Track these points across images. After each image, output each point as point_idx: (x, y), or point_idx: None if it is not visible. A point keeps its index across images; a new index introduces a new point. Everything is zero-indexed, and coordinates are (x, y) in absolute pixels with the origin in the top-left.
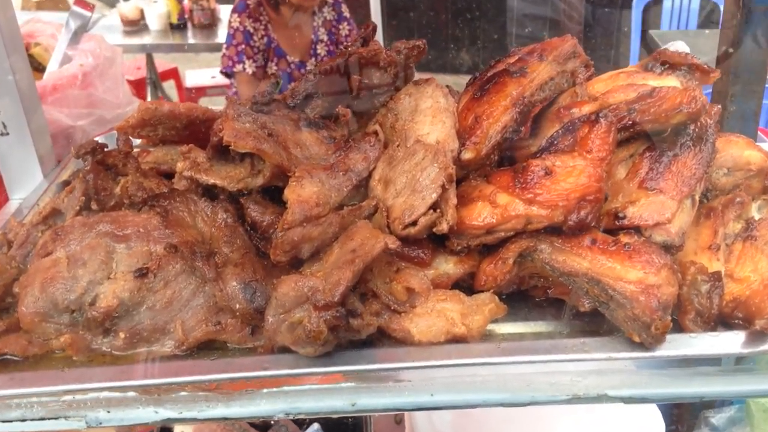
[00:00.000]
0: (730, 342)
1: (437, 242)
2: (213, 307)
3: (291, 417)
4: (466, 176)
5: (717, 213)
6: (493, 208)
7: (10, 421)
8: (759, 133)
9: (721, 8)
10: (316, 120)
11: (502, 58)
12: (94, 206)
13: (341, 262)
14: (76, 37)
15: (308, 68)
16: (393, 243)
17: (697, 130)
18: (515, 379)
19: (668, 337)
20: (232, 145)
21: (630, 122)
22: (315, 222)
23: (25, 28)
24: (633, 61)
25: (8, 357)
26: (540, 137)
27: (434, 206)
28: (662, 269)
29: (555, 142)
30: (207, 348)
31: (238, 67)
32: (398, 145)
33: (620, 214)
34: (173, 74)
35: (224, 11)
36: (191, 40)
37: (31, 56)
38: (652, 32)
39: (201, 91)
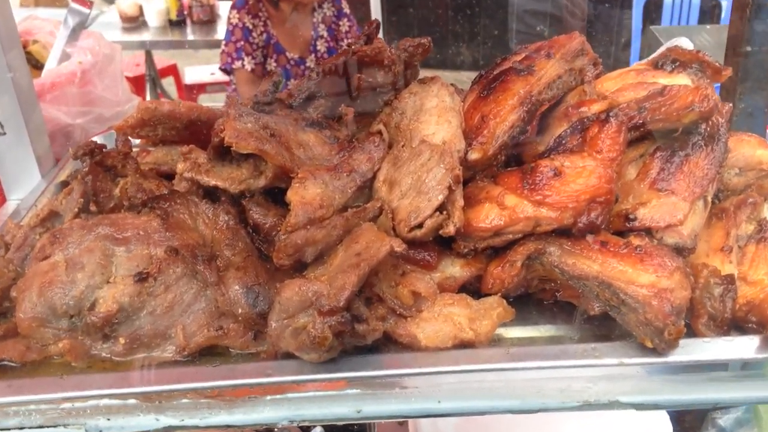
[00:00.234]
0: (745, 347)
1: (443, 245)
2: (215, 312)
3: (295, 424)
4: (472, 177)
5: (729, 214)
6: (500, 210)
7: (8, 430)
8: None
9: (723, 4)
10: (318, 120)
11: (508, 55)
12: (92, 208)
13: (346, 266)
14: (74, 34)
15: (308, 65)
16: (399, 246)
17: (708, 129)
18: (525, 385)
19: (681, 341)
20: (234, 146)
21: (640, 121)
22: (319, 224)
23: (23, 26)
24: (634, 57)
25: (6, 363)
26: (547, 136)
27: (440, 208)
28: (675, 272)
29: (563, 142)
30: (209, 353)
31: (237, 64)
32: (403, 146)
33: (631, 216)
34: (172, 71)
35: (223, 7)
36: (190, 37)
37: (29, 54)
38: (652, 28)
39: (200, 88)
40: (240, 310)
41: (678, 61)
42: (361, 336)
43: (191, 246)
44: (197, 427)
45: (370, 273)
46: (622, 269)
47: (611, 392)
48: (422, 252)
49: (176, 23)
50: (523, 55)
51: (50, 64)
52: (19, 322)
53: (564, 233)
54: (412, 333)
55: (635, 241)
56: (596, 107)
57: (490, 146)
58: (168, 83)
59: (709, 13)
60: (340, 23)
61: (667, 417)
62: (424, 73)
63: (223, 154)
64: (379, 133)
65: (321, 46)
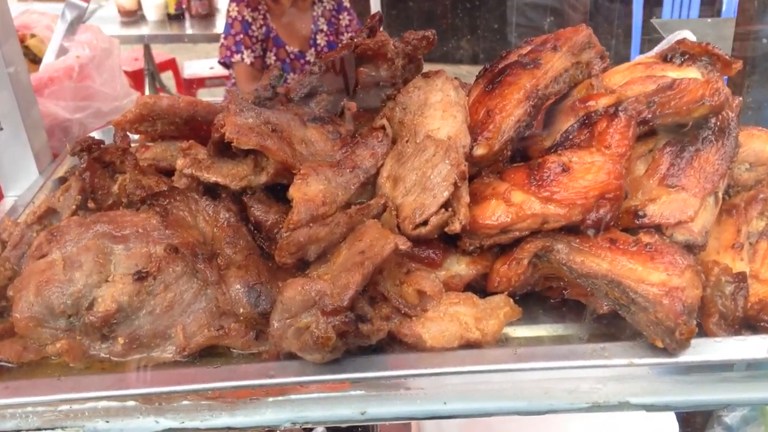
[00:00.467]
0: (757, 346)
1: (448, 242)
2: (215, 311)
3: (298, 426)
4: (477, 173)
5: (740, 210)
6: (507, 207)
7: None
8: None
9: None
10: (321, 115)
11: (512, 49)
12: (90, 205)
13: (350, 264)
14: (72, 28)
15: (307, 58)
16: (404, 244)
17: (719, 123)
18: (532, 386)
19: (692, 341)
20: (235, 142)
21: (649, 116)
22: (322, 222)
23: (20, 20)
24: (634, 50)
25: (2, 364)
26: (554, 131)
27: (446, 205)
28: (686, 271)
29: (570, 137)
30: (209, 354)
31: (237, 57)
32: (407, 141)
33: (640, 213)
34: (171, 65)
35: (222, 1)
36: (189, 31)
37: (26, 48)
38: (653, 21)
39: (199, 82)
40: (241, 310)
41: (687, 54)
42: (365, 336)
43: (191, 244)
44: (198, 429)
45: (375, 271)
46: (632, 267)
47: (621, 393)
48: (427, 250)
49: (175, 17)
50: (529, 48)
51: (48, 59)
52: (15, 322)
53: (572, 230)
54: (417, 333)
55: (645, 238)
56: (604, 101)
57: (495, 141)
58: (167, 77)
59: (709, 6)
60: (340, 17)
61: (673, 414)
62: (424, 67)
63: (224, 149)
64: (382, 128)
65: (321, 40)
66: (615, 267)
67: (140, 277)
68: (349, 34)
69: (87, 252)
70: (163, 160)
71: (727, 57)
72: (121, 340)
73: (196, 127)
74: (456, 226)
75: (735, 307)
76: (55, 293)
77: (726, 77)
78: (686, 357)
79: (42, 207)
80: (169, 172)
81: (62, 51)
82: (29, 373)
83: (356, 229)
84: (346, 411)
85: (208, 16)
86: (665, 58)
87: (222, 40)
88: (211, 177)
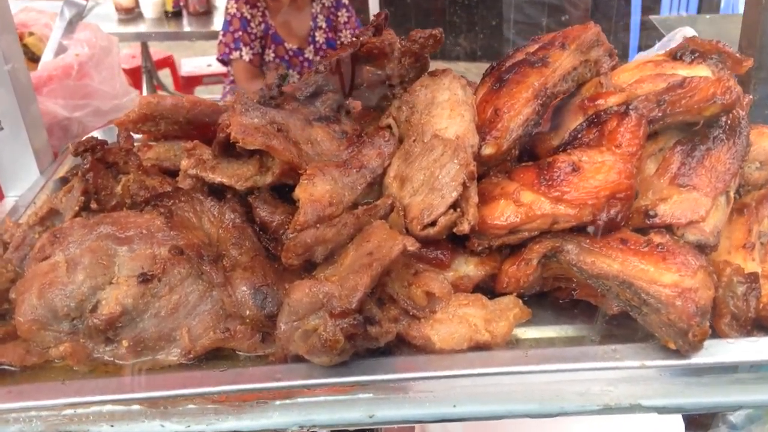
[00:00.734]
0: None
1: (456, 242)
2: (221, 313)
3: (305, 430)
4: (485, 172)
5: (751, 210)
6: (516, 207)
7: None
8: None
9: None
10: (326, 114)
11: (509, 45)
12: (93, 206)
13: (357, 266)
14: (71, 26)
15: (306, 55)
16: (412, 245)
17: (729, 121)
18: (543, 388)
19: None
20: (240, 142)
21: (660, 114)
22: (329, 223)
23: (19, 18)
24: (633, 47)
25: (5, 367)
26: (562, 130)
27: (454, 205)
28: (698, 271)
29: (579, 136)
30: (215, 356)
31: (235, 55)
32: (414, 140)
33: (651, 212)
34: (169, 63)
35: None
36: (187, 28)
37: (24, 46)
38: (652, 18)
39: (197, 79)
40: (248, 312)
41: (697, 51)
42: (373, 338)
43: (196, 245)
44: None
45: (383, 273)
46: (644, 268)
47: (633, 395)
48: (435, 250)
49: (172, 14)
50: (537, 47)
51: (46, 57)
52: (18, 325)
53: (581, 230)
54: (426, 335)
55: (656, 238)
56: (613, 100)
57: (504, 141)
58: (164, 75)
59: (707, 2)
60: (339, 14)
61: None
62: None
63: (228, 150)
64: (389, 127)
65: (319, 37)
66: (626, 268)
67: (145, 279)
68: (348, 31)
69: (90, 254)
70: (167, 160)
71: (737, 55)
72: (125, 343)
73: (199, 127)
74: (465, 227)
75: (747, 307)
76: (59, 296)
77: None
78: (699, 359)
79: (44, 208)
80: (172, 173)
81: (61, 49)
82: (32, 377)
83: (363, 230)
84: (354, 414)
85: (205, 13)
86: (675, 56)
87: (220, 38)
88: (216, 177)
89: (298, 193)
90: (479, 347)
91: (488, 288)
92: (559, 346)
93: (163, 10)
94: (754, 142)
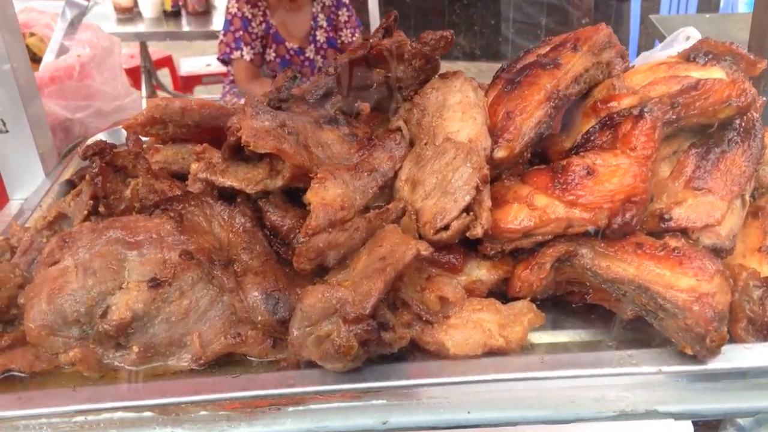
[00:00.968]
0: None
1: (468, 246)
2: (231, 318)
3: None
4: (497, 176)
5: (765, 213)
6: (530, 211)
7: None
8: None
9: None
10: (337, 116)
11: (530, 48)
12: (101, 210)
13: (370, 271)
14: (72, 26)
15: (307, 55)
16: (425, 249)
17: (743, 124)
18: (558, 394)
19: None
20: (251, 146)
21: (674, 117)
22: (340, 227)
23: (19, 18)
24: (633, 47)
25: (14, 373)
26: (574, 132)
27: (467, 209)
28: (715, 276)
29: (591, 138)
30: (225, 362)
31: (236, 54)
32: (426, 143)
33: (666, 216)
34: (167, 62)
35: None
36: (186, 28)
37: (26, 47)
38: (651, 17)
39: (196, 79)
40: (259, 318)
41: (711, 53)
42: (387, 344)
43: (207, 250)
44: None
45: (396, 278)
46: (660, 272)
47: (648, 401)
48: (447, 255)
49: (171, 14)
50: (548, 48)
51: (48, 58)
52: (27, 331)
53: (595, 234)
54: (440, 340)
55: (672, 242)
56: (627, 102)
57: (516, 144)
58: (163, 75)
59: (707, 2)
60: (339, 13)
61: None
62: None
63: (238, 153)
64: (399, 130)
65: (320, 36)
66: (642, 272)
67: (155, 284)
68: (348, 30)
69: (100, 258)
70: (175, 163)
71: (751, 56)
72: (135, 349)
73: (207, 130)
74: (478, 231)
75: (763, 312)
76: (68, 301)
77: None
78: (717, 364)
79: (52, 212)
80: (180, 176)
81: (62, 50)
82: (42, 383)
83: (376, 234)
84: (367, 421)
85: (204, 13)
86: (688, 58)
87: (221, 37)
88: (227, 181)
89: (310, 196)
90: (493, 353)
91: (501, 292)
92: (572, 350)
93: (161, 10)
94: None
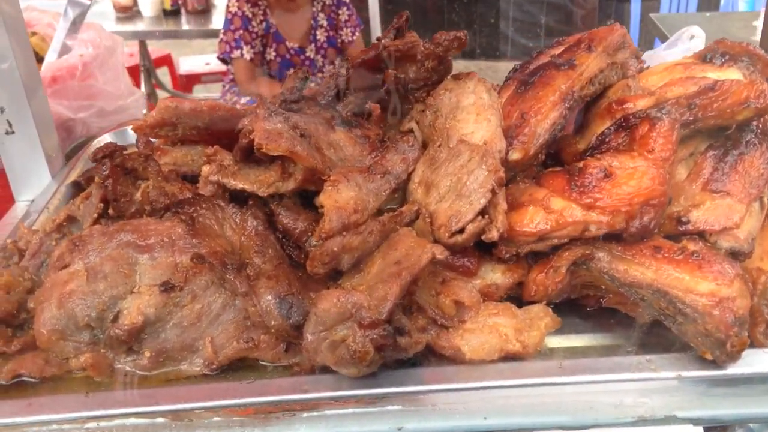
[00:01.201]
0: None
1: (482, 250)
2: (244, 322)
3: None
4: (512, 178)
5: None
6: (546, 214)
7: None
8: None
9: None
10: (349, 118)
11: (543, 49)
12: (110, 212)
13: (386, 275)
14: (74, 26)
15: (307, 54)
16: (441, 253)
17: (761, 126)
18: (575, 400)
19: None
20: (264, 148)
21: (691, 118)
22: (354, 230)
23: None
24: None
25: (24, 378)
26: (588, 134)
27: (482, 212)
28: (735, 280)
29: (606, 140)
30: (237, 366)
31: (236, 53)
32: (440, 145)
33: (683, 219)
34: (167, 61)
35: None
36: (185, 27)
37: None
38: (652, 15)
39: (195, 78)
40: (273, 322)
41: (727, 54)
42: (403, 349)
43: (220, 253)
44: None
45: (412, 282)
46: (679, 276)
47: (668, 407)
48: (462, 258)
49: (170, 13)
50: (562, 49)
51: (50, 57)
52: (37, 335)
53: (612, 237)
54: (456, 345)
55: (690, 246)
56: (642, 103)
57: (531, 146)
58: (162, 73)
59: (707, 1)
60: (339, 12)
61: None
62: None
63: (249, 155)
64: (411, 131)
65: (320, 36)
66: (660, 276)
67: (167, 288)
68: (349, 29)
69: (111, 262)
70: (184, 165)
71: None
72: (147, 354)
73: (217, 132)
74: (494, 234)
75: None
76: (79, 305)
77: None
78: (737, 369)
79: (61, 215)
80: (189, 178)
81: (65, 49)
82: (52, 388)
83: (390, 238)
84: (382, 427)
85: (204, 11)
86: (704, 59)
87: (221, 36)
88: (239, 184)
89: (323, 199)
90: (510, 358)
91: (515, 296)
92: (588, 354)
93: (161, 9)
94: None
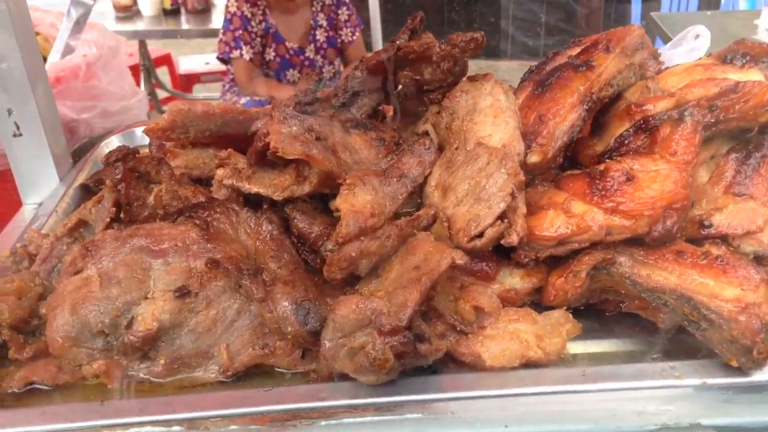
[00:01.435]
0: None
1: (499, 254)
2: (259, 328)
3: None
4: (530, 181)
5: None
6: (567, 218)
7: None
8: None
9: None
10: (364, 121)
11: (559, 50)
12: (122, 216)
13: (405, 281)
14: (78, 26)
15: (307, 54)
16: (461, 258)
17: None
18: (597, 407)
19: None
20: (280, 152)
21: (713, 120)
22: (372, 235)
23: None
24: None
25: (37, 386)
26: (606, 136)
27: (501, 216)
28: (761, 285)
29: (626, 142)
30: (251, 372)
31: (235, 53)
32: (457, 148)
33: (706, 223)
34: (166, 60)
35: None
36: (185, 26)
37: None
38: (653, 14)
39: (195, 77)
40: (290, 328)
41: (748, 54)
42: (423, 356)
43: (235, 258)
44: None
45: (431, 288)
46: (703, 282)
47: (692, 414)
48: (480, 263)
49: (170, 12)
50: (579, 49)
51: (53, 58)
52: (50, 342)
53: (634, 241)
54: (476, 352)
55: (714, 250)
56: (662, 105)
57: (549, 148)
58: (162, 73)
59: None
60: (339, 12)
61: None
62: None
63: (262, 158)
64: (426, 134)
65: (320, 36)
66: (684, 281)
67: (182, 293)
68: (349, 29)
69: (125, 267)
70: (196, 168)
71: None
72: (162, 360)
73: (229, 135)
74: (513, 239)
75: None
76: (93, 311)
77: None
78: (763, 376)
79: (73, 219)
80: (200, 181)
81: (68, 50)
82: (65, 396)
83: (407, 242)
84: None
85: (203, 11)
86: (724, 60)
87: (221, 36)
88: (253, 188)
89: (339, 203)
90: (531, 365)
91: (534, 301)
92: (610, 361)
93: (161, 8)
94: None
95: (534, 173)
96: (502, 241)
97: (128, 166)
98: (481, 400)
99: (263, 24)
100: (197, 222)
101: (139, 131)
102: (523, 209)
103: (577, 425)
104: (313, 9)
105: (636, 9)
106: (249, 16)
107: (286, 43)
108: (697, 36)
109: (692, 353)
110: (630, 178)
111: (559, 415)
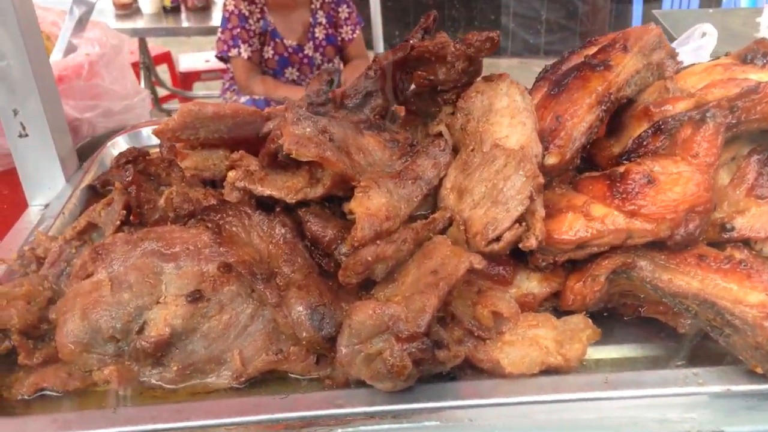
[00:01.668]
0: None
1: (516, 257)
2: (272, 333)
3: None
4: (548, 183)
5: None
6: (587, 221)
7: None
8: None
9: None
10: (377, 122)
11: (575, 49)
12: (132, 219)
13: (422, 285)
14: (80, 24)
15: (306, 52)
16: (479, 262)
17: None
18: (619, 415)
19: None
20: (293, 154)
21: (734, 121)
22: (387, 239)
23: None
24: None
25: (47, 392)
26: (624, 137)
27: (519, 219)
28: None
29: (644, 143)
30: (264, 378)
31: (234, 52)
32: (473, 150)
33: (728, 226)
34: (166, 58)
35: None
36: (185, 24)
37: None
38: (655, 12)
39: (195, 75)
40: (304, 334)
41: None
42: (441, 363)
43: (248, 262)
44: None
45: (449, 292)
46: (727, 287)
47: (714, 422)
48: (497, 267)
49: (170, 10)
50: (596, 49)
51: (55, 56)
52: (60, 347)
53: (654, 245)
54: (495, 358)
55: (737, 254)
56: (682, 105)
57: (567, 150)
58: (161, 71)
59: None
60: (339, 9)
61: None
62: None
63: (274, 159)
64: (440, 135)
65: (319, 33)
66: (707, 286)
67: (195, 298)
68: (348, 27)
69: (136, 271)
70: (206, 170)
71: None
72: (174, 366)
73: (240, 136)
74: (532, 242)
75: None
76: (103, 316)
77: None
78: None
79: (81, 221)
80: (210, 183)
81: (71, 48)
82: (76, 402)
83: (424, 246)
84: None
85: (203, 9)
86: (744, 59)
87: (219, 34)
88: (266, 190)
89: (354, 206)
90: (551, 371)
91: (552, 305)
92: (630, 367)
93: (161, 6)
94: None
95: (551, 175)
96: (520, 245)
97: (138, 169)
98: (500, 407)
99: (261, 22)
100: (209, 225)
101: (145, 131)
102: (541, 212)
103: None
104: (313, 6)
105: (637, 6)
106: (247, 14)
107: (285, 41)
108: (704, 34)
109: (716, 360)
110: (651, 181)
111: (580, 423)
